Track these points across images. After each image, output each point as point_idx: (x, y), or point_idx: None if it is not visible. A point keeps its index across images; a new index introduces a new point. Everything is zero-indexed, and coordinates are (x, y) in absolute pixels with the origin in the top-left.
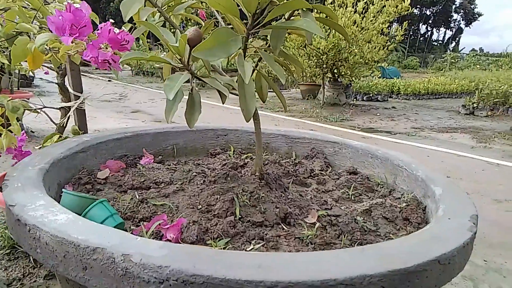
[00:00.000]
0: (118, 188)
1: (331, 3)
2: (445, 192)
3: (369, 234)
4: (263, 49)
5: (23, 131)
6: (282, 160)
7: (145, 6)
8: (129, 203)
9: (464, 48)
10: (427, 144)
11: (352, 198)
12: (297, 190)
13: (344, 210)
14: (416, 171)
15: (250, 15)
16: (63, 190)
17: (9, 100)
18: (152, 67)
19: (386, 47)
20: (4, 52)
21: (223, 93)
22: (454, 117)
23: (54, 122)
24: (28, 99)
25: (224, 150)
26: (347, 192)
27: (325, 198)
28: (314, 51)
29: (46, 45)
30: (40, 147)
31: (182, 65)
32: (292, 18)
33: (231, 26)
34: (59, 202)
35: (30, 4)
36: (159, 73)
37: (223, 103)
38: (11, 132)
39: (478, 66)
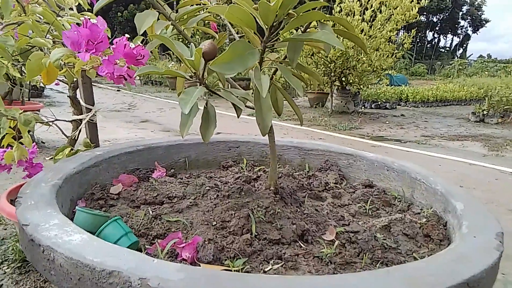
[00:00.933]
0: (131, 204)
1: (338, 12)
2: (466, 207)
3: (390, 252)
4: (278, 61)
5: (34, 143)
6: (296, 172)
7: (158, 19)
8: (142, 219)
9: (472, 54)
10: (438, 153)
11: (370, 213)
12: (312, 205)
13: (362, 226)
14: (434, 185)
15: (266, 28)
16: (76, 207)
17: (21, 113)
18: (160, 76)
19: (394, 55)
20: (16, 65)
21: (239, 106)
22: (464, 124)
23: (65, 135)
24: (39, 110)
25: (236, 163)
26: (364, 206)
27: (342, 213)
28: (322, 59)
29: (61, 60)
30: (51, 158)
31: (196, 78)
32: (308, 30)
33: (243, 36)
34: (72, 220)
35: (43, 18)
36: (167, 82)
37: (238, 117)
38: (22, 144)
39: (486, 72)
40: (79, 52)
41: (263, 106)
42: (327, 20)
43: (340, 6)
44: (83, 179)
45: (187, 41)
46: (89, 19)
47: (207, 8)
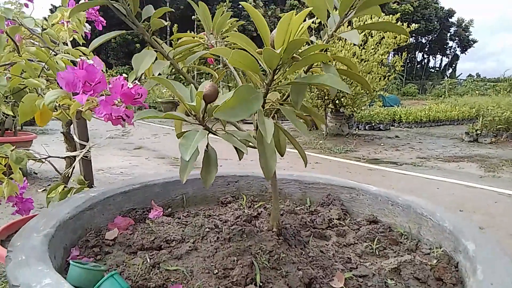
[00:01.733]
0: (128, 249)
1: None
2: (479, 248)
3: None
4: (279, 102)
5: (25, 177)
6: (297, 207)
7: (156, 59)
8: (140, 268)
9: (461, 74)
10: (434, 175)
11: (377, 253)
12: (317, 245)
13: (371, 268)
14: (442, 222)
15: (270, 71)
16: (70, 260)
17: (13, 149)
18: (154, 101)
19: (387, 77)
20: (8, 102)
21: (241, 150)
22: (458, 144)
23: (59, 172)
24: (32, 141)
25: (235, 198)
26: (370, 245)
27: (348, 253)
28: None
29: (56, 102)
30: (44, 190)
31: (197, 120)
32: (311, 69)
33: (244, 74)
34: (66, 271)
35: (36, 57)
36: (161, 107)
37: (239, 159)
38: (13, 179)
39: (477, 91)
40: (75, 94)
41: (266, 150)
42: (331, 60)
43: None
44: (77, 224)
45: (186, 80)
46: (86, 57)
47: (206, 47)
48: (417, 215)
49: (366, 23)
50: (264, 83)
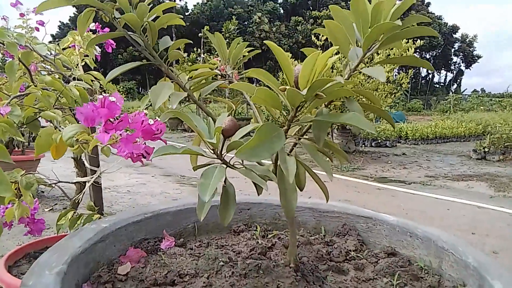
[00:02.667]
0: (140, 284)
1: (336, 54)
2: None
3: None
4: (299, 136)
5: (36, 198)
6: (311, 236)
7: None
8: None
9: (466, 89)
10: (444, 195)
11: None
12: (335, 281)
13: None
14: (465, 257)
15: (292, 108)
16: None
17: (23, 174)
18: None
19: (393, 94)
20: (22, 132)
21: (260, 185)
22: (466, 162)
23: (68, 198)
24: (40, 159)
25: (248, 226)
26: (391, 281)
27: None
28: None
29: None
30: (51, 210)
31: (215, 155)
32: (333, 102)
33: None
34: None
35: (50, 86)
36: (167, 123)
37: (258, 195)
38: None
39: (482, 107)
40: (94, 131)
41: (287, 188)
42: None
43: (338, 50)
44: (89, 258)
45: (203, 112)
46: (108, 93)
47: (220, 74)
48: (437, 248)
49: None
50: (285, 119)
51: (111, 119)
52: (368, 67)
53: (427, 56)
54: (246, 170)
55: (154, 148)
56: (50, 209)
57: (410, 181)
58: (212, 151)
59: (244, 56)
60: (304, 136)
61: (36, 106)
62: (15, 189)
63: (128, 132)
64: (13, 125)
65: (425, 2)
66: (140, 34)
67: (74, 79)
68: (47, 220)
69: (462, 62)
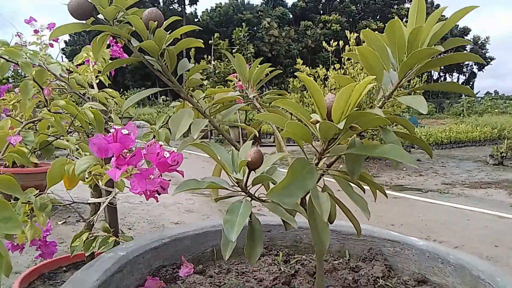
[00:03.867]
0: None
1: (348, 59)
2: None
3: None
4: (326, 168)
5: (48, 220)
6: (335, 260)
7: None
8: None
9: (479, 91)
10: (463, 204)
11: None
12: None
13: None
14: None
15: (324, 141)
16: None
17: (37, 195)
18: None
19: None
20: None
21: (288, 222)
22: (483, 168)
23: (83, 219)
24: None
25: (269, 250)
26: None
27: None
28: None
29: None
30: (64, 223)
31: (240, 189)
32: (367, 131)
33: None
34: None
35: (65, 110)
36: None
37: (286, 230)
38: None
39: (496, 110)
40: (109, 161)
41: (319, 225)
42: (389, 123)
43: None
44: None
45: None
46: (120, 128)
47: (241, 97)
48: (473, 277)
49: None
50: (316, 151)
51: (124, 155)
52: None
53: None
54: (273, 204)
55: (170, 181)
56: (63, 222)
57: (427, 189)
58: (237, 184)
59: (266, 75)
60: (334, 167)
61: (50, 131)
62: (29, 209)
63: (142, 165)
64: (25, 155)
65: (434, 4)
66: (158, 59)
67: (88, 98)
68: (60, 234)
69: (475, 64)
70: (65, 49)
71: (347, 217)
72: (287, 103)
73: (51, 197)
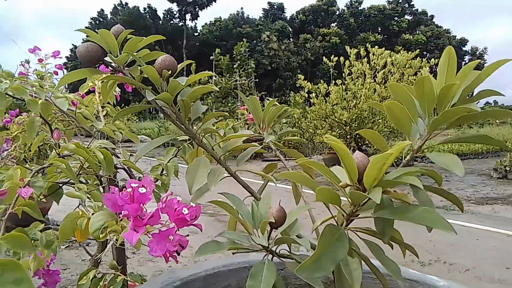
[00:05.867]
0: None
1: (348, 75)
2: None
3: None
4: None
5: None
6: None
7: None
8: None
9: (478, 102)
10: (470, 222)
11: None
12: None
13: None
14: None
15: (351, 203)
16: None
17: (42, 230)
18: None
19: None
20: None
21: (314, 286)
22: (488, 182)
23: (91, 255)
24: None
25: None
26: None
27: None
28: (337, 122)
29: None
30: (67, 247)
31: (262, 247)
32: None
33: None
34: None
35: (75, 153)
36: (179, 145)
37: None
38: None
39: (496, 120)
40: (121, 220)
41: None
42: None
43: (350, 70)
44: None
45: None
46: (136, 186)
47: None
48: None
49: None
50: (344, 213)
51: (141, 216)
52: (385, 87)
53: (437, 70)
54: (297, 264)
55: (188, 239)
56: (67, 246)
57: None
58: (259, 245)
59: (279, 116)
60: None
61: (60, 177)
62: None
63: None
64: (35, 208)
65: (428, 15)
66: (171, 106)
67: (95, 131)
68: (63, 260)
69: None
70: (66, 63)
71: (373, 273)
72: (312, 164)
73: (56, 234)
